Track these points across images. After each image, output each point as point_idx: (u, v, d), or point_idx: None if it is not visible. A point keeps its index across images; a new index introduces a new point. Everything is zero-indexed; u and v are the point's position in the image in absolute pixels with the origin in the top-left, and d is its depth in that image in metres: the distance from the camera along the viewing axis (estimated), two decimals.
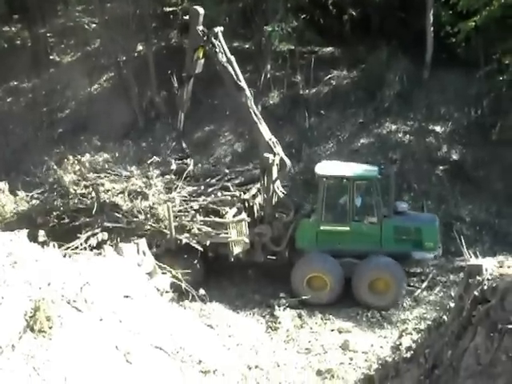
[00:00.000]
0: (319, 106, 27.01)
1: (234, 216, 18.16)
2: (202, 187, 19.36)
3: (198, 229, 17.85)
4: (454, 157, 24.79)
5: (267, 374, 12.94)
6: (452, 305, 8.47)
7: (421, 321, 16.02)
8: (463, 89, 26.15)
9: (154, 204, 17.89)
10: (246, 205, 18.95)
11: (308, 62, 27.57)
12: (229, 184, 19.39)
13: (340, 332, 16.08)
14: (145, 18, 28.36)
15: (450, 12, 25.81)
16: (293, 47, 27.97)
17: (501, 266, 7.59)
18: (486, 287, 7.29)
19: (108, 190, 18.32)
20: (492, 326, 6.69)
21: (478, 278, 7.58)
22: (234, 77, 19.20)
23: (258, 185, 19.30)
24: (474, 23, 24.57)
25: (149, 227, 17.56)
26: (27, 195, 19.17)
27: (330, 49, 29.90)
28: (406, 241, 17.79)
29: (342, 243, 17.88)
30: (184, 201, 18.45)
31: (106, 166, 20.12)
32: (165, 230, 17.54)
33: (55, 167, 19.45)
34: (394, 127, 25.88)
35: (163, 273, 13.52)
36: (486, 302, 7.13)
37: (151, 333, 10.66)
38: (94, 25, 28.84)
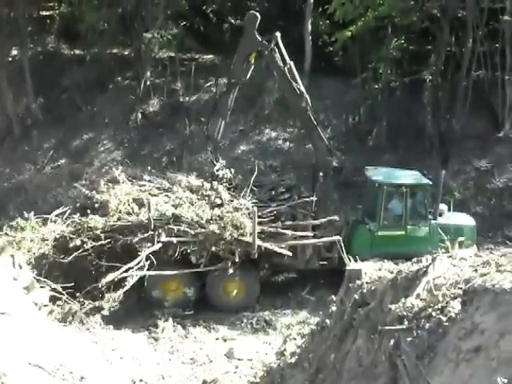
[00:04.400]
0: (200, 114, 26.95)
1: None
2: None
3: (282, 233, 17.45)
4: (334, 163, 25.31)
5: None
6: (334, 309, 8.58)
7: (305, 325, 16.17)
8: (341, 96, 26.85)
9: (225, 212, 17.11)
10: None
11: (188, 70, 27.61)
12: (273, 193, 18.99)
13: (225, 340, 16.01)
14: (20, 22, 27.37)
15: (328, 22, 26.53)
16: (173, 54, 27.84)
17: (379, 269, 7.78)
18: (365, 290, 7.45)
19: (157, 203, 17.24)
20: (372, 328, 6.82)
21: (357, 281, 7.73)
22: (293, 82, 18.82)
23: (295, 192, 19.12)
24: (350, 33, 25.37)
25: (228, 236, 16.65)
26: (39, 217, 17.54)
27: (210, 56, 30.00)
28: (450, 240, 18.17)
29: (394, 247, 17.85)
30: (258, 207, 17.49)
31: (146, 178, 19.32)
32: (244, 238, 16.75)
33: (81, 186, 18.61)
34: (273, 134, 26.23)
35: (41, 286, 13.03)
36: (365, 305, 7.28)
37: (29, 350, 10.24)
38: None
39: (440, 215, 18.67)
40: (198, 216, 17.00)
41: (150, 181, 19.06)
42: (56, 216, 17.59)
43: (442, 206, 18.93)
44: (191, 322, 16.87)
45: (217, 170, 19.08)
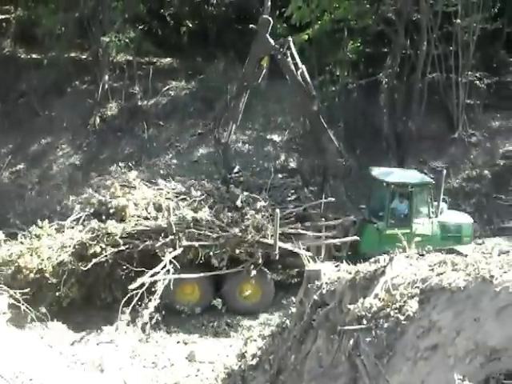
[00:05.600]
0: (158, 117, 26.92)
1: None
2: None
3: (303, 234, 17.65)
4: (292, 164, 25.48)
5: None
6: (293, 310, 8.64)
7: (265, 327, 16.20)
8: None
9: (246, 215, 17.19)
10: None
11: (146, 73, 27.48)
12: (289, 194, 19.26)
13: (186, 343, 15.94)
14: None
15: (285, 25, 26.67)
16: (131, 58, 27.68)
17: (338, 270, 7.86)
18: (324, 291, 7.52)
19: (174, 208, 17.09)
20: (332, 329, 6.89)
21: (316, 282, 7.80)
22: (305, 87, 18.96)
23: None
24: (306, 36, 25.56)
25: (250, 238, 16.70)
26: (58, 224, 17.46)
27: (168, 59, 29.96)
28: (450, 237, 18.91)
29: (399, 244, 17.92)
30: (276, 209, 17.41)
31: (161, 182, 19.22)
32: (265, 240, 16.86)
33: (94, 192, 18.32)
34: (233, 137, 26.21)
35: None
36: (325, 306, 7.35)
37: None
38: None
39: (440, 213, 19.20)
40: (219, 219, 17.07)
41: (165, 185, 19.03)
42: (71, 222, 17.41)
43: (442, 205, 19.42)
44: (152, 326, 16.76)
45: (235, 173, 19.59)
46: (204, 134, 26.49)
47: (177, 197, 18.10)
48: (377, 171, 19.78)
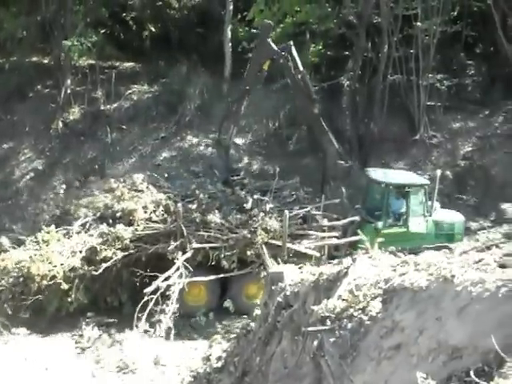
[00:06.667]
0: (121, 121, 26.74)
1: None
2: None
3: (311, 235, 17.86)
4: (255, 168, 25.49)
5: None
6: (258, 312, 8.68)
7: (230, 329, 16.22)
8: (261, 102, 26.96)
9: (254, 216, 17.31)
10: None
11: (109, 77, 27.29)
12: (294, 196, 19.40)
13: (151, 347, 15.89)
14: None
15: (247, 28, 26.74)
16: (93, 62, 27.50)
17: (301, 272, 7.91)
18: (288, 293, 7.56)
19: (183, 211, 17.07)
20: (296, 330, 6.93)
21: (280, 284, 7.85)
22: (306, 90, 19.24)
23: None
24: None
25: (259, 239, 16.74)
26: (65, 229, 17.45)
27: (130, 64, 29.79)
28: (443, 235, 19.38)
29: (397, 243, 17.99)
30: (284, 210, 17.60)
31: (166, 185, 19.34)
32: (274, 241, 16.95)
33: (100, 196, 18.40)
34: (195, 140, 26.21)
35: None
36: (289, 307, 7.39)
37: None
38: None
39: (434, 211, 19.56)
40: (228, 221, 17.22)
41: (169, 187, 19.19)
42: (78, 227, 17.47)
43: (435, 204, 19.73)
44: (117, 329, 16.66)
45: (237, 175, 20.08)
46: (167, 138, 26.43)
47: (183, 199, 18.25)
48: (372, 172, 20.15)
